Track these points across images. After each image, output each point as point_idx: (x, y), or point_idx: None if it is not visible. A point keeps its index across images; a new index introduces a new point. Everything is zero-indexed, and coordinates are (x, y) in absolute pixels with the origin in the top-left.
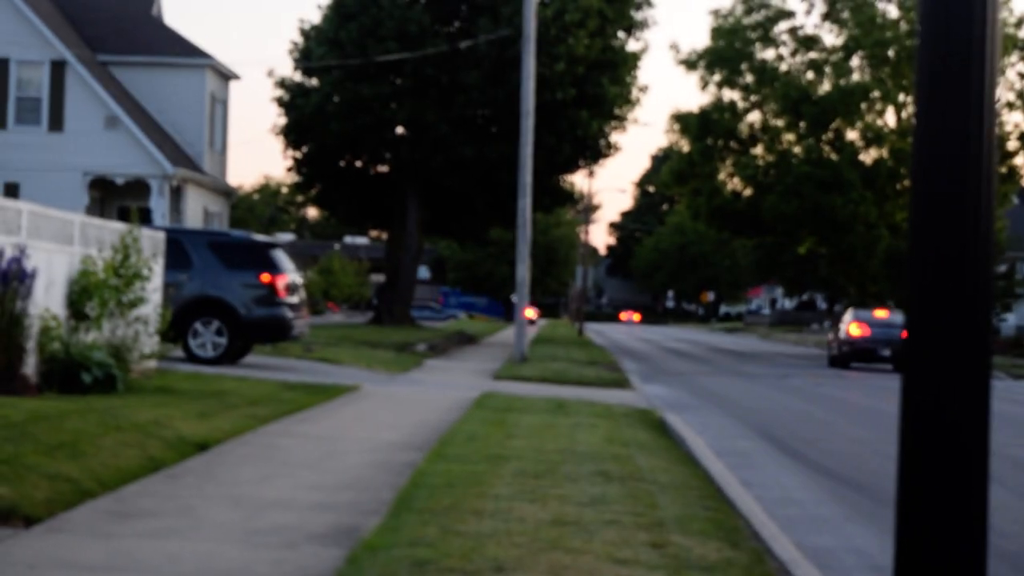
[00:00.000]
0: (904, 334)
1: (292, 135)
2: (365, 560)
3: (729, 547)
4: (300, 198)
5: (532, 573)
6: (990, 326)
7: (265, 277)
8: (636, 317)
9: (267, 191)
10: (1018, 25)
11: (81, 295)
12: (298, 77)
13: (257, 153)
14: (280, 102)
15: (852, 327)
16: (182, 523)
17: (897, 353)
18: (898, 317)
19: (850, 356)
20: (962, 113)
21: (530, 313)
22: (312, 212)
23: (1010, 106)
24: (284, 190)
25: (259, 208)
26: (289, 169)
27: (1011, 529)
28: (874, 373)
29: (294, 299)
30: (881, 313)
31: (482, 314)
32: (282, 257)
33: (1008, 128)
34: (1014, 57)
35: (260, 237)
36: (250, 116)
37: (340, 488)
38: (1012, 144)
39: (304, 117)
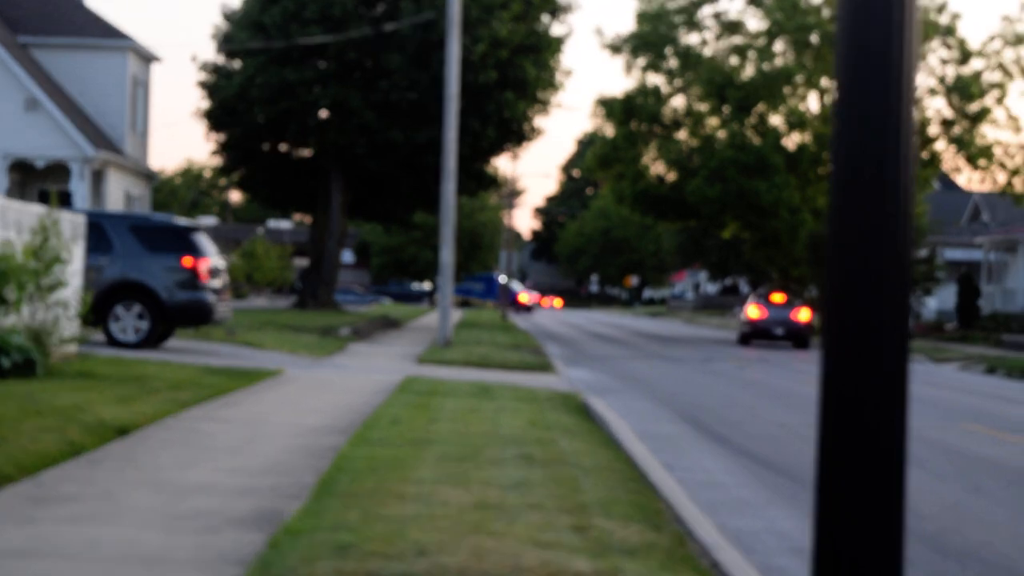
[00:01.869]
0: (793, 315)
1: (215, 119)
2: (287, 544)
3: (651, 530)
4: (223, 182)
5: (455, 557)
6: (908, 310)
7: (187, 261)
8: (557, 303)
9: (189, 174)
10: (939, 11)
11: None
12: (221, 60)
13: (180, 136)
14: (203, 85)
15: (751, 310)
16: (102, 508)
17: (788, 331)
18: (791, 302)
19: (750, 335)
20: (882, 97)
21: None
22: (235, 196)
23: (932, 92)
24: (207, 174)
25: (181, 192)
26: (212, 153)
27: (930, 511)
28: (789, 355)
29: (216, 283)
30: (777, 297)
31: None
32: (204, 241)
33: (929, 113)
34: (935, 43)
35: (182, 220)
36: (173, 99)
37: (262, 472)
38: (933, 129)
39: (227, 100)
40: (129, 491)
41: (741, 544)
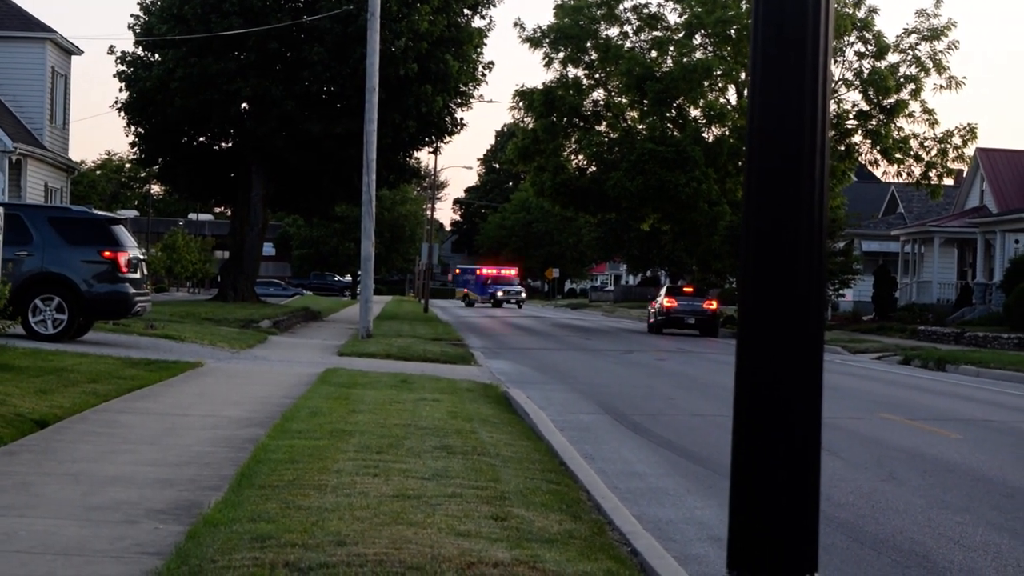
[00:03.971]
0: (702, 305)
1: (134, 110)
2: (205, 535)
3: (570, 519)
4: (143, 174)
5: (374, 547)
6: (823, 299)
7: (107, 253)
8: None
9: (109, 167)
10: (856, 5)
11: None
12: (140, 52)
13: (101, 128)
14: (121, 77)
15: (664, 300)
16: (19, 500)
17: (698, 320)
18: (701, 293)
19: (663, 323)
20: (797, 88)
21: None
22: (156, 188)
23: (847, 84)
24: (127, 166)
25: (101, 184)
26: (132, 144)
27: (846, 499)
28: (705, 345)
29: (136, 275)
30: (688, 289)
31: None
32: (124, 233)
33: (846, 106)
34: (852, 36)
35: (101, 213)
36: (94, 91)
37: (181, 464)
38: (850, 122)
39: (147, 92)
40: (47, 483)
41: (660, 533)
